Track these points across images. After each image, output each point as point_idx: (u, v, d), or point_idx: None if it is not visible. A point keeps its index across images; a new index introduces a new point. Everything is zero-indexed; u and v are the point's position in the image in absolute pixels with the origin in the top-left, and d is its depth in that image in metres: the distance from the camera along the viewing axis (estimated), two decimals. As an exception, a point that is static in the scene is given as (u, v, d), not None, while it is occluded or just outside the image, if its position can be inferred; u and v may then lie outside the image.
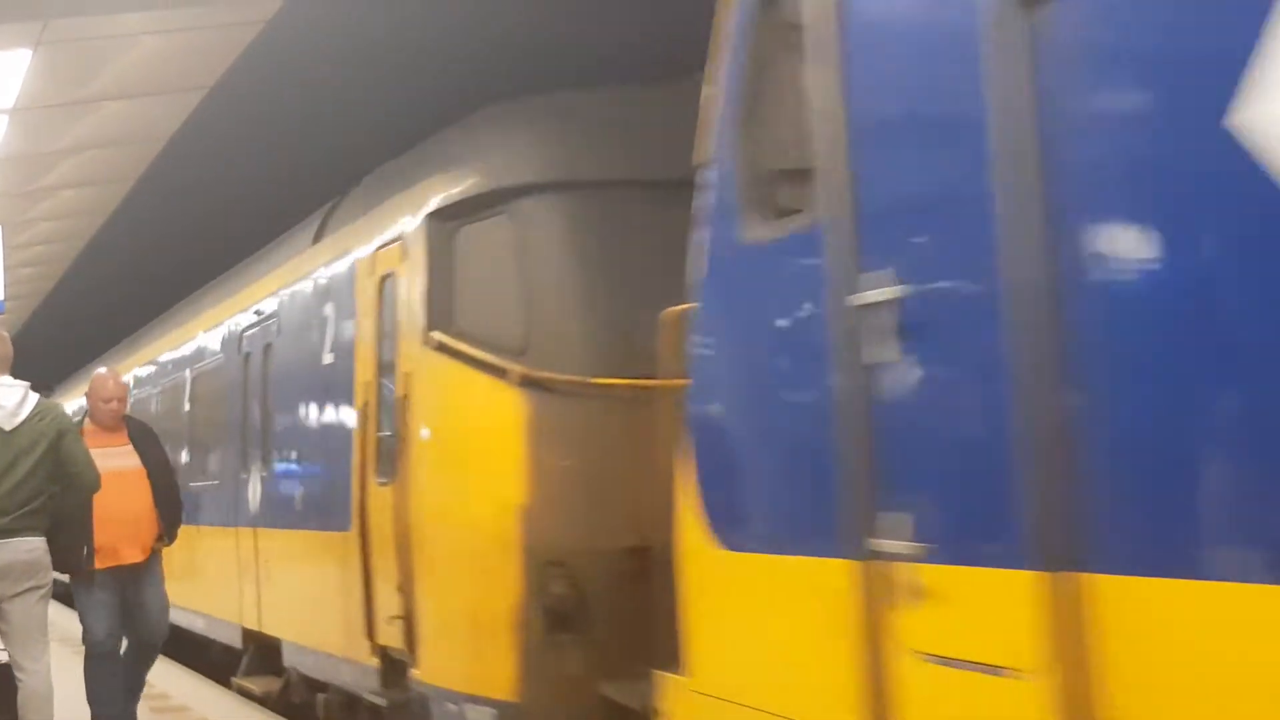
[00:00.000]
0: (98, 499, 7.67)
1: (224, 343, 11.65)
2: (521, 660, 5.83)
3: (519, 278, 6.21)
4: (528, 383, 5.92)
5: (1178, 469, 2.53)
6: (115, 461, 7.95)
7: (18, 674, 7.11)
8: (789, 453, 3.90)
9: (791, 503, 3.88)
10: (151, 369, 15.61)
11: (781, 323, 3.94)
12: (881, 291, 3.26)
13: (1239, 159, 2.34)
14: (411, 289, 6.75)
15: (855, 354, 3.37)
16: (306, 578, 8.93)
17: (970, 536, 3.04)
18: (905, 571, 3.19)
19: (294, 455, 9.45)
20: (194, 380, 13.06)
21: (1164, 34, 2.56)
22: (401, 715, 7.19)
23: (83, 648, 7.96)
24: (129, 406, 9.34)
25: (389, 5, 10.31)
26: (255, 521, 10.10)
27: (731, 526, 4.08)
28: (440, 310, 6.47)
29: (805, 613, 3.69)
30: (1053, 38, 2.75)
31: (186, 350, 13.56)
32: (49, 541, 7.37)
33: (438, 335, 6.39)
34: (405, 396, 6.73)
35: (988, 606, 2.96)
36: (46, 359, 25.90)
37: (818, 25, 3.60)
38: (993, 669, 2.92)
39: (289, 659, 9.24)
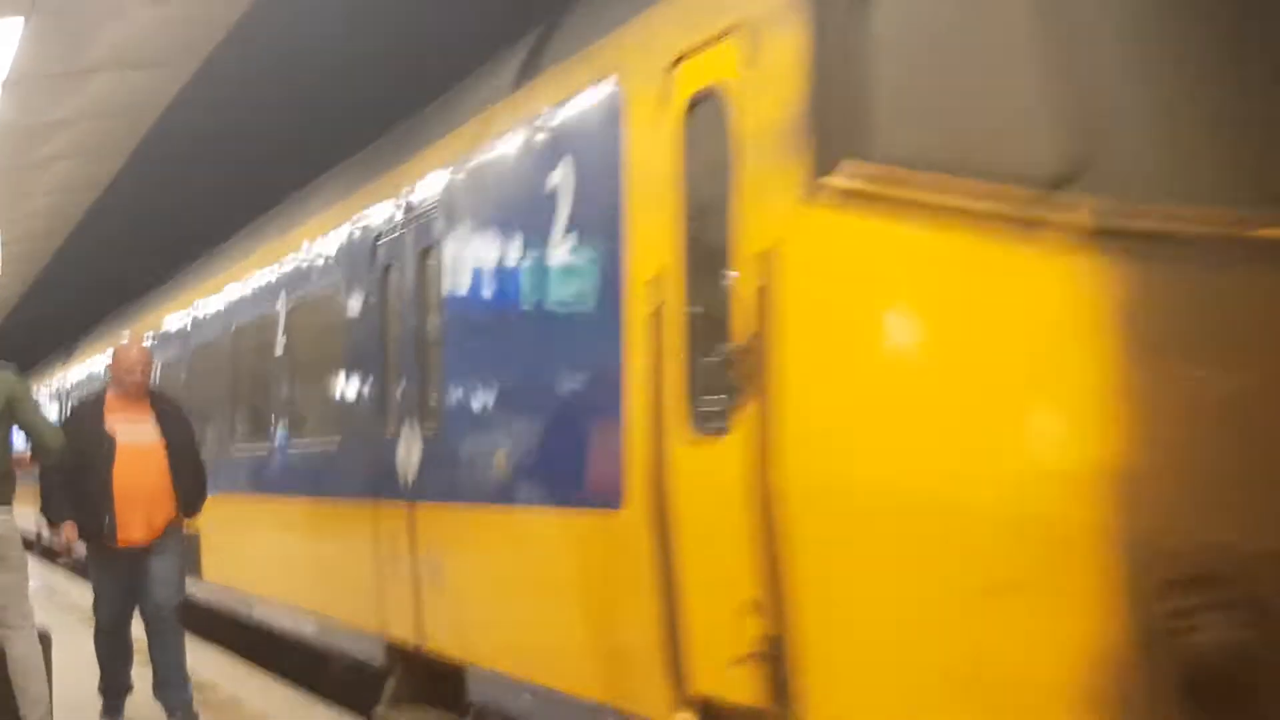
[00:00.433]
0: (116, 471, 7.69)
1: (342, 259, 8.52)
2: None
3: (1036, 50, 3.53)
4: (1111, 238, 3.24)
5: None
6: (134, 434, 7.93)
7: (2, 636, 7.12)
8: None
9: None
10: (217, 308, 12.14)
11: None
12: None
13: None
14: (772, 107, 4.16)
15: None
16: (519, 577, 5.98)
17: None
18: None
19: (484, 399, 6.39)
20: (290, 313, 9.83)
21: None
22: None
23: (94, 620, 8.07)
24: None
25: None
26: (412, 494, 7.00)
27: None
28: (847, 133, 3.89)
29: None
30: None
31: (271, 279, 10.32)
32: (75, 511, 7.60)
33: (846, 176, 3.80)
34: (766, 293, 4.12)
35: None
36: (60, 323, 26.09)
37: None
38: None
39: (481, 693, 6.33)
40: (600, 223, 5.16)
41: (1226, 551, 3.06)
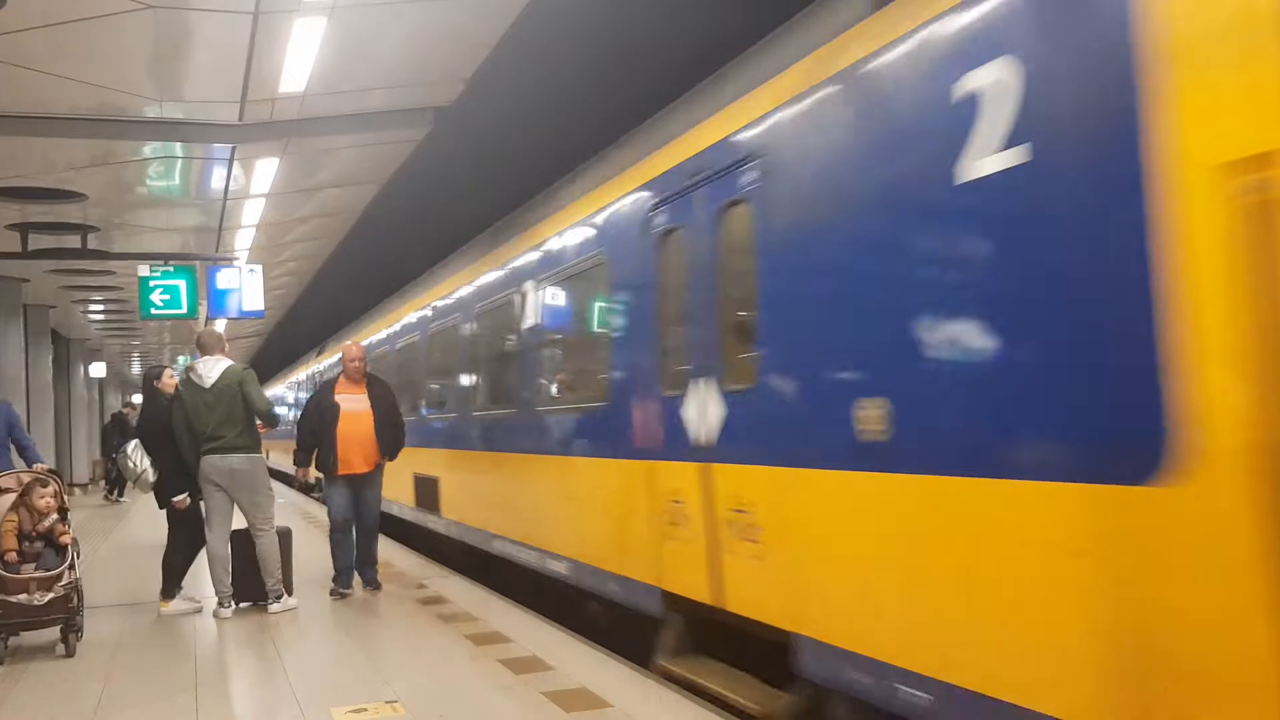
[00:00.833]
0: (339, 427, 8.72)
1: (611, 230, 7.40)
2: None
3: None
4: None
5: None
6: (353, 404, 8.89)
7: (254, 533, 8.34)
8: None
9: None
10: (470, 290, 10.99)
11: None
12: None
13: None
14: None
15: None
16: (900, 551, 4.45)
17: None
18: None
19: (837, 344, 4.88)
20: (538, 293, 8.85)
21: None
22: None
23: (328, 525, 9.14)
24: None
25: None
26: (706, 455, 5.97)
27: None
28: None
29: None
30: None
31: (518, 263, 9.33)
32: (317, 456, 8.66)
33: None
34: None
35: None
36: (308, 335, 35.06)
37: None
38: None
39: (819, 669, 5.05)
40: (1097, 107, 3.52)
41: None
